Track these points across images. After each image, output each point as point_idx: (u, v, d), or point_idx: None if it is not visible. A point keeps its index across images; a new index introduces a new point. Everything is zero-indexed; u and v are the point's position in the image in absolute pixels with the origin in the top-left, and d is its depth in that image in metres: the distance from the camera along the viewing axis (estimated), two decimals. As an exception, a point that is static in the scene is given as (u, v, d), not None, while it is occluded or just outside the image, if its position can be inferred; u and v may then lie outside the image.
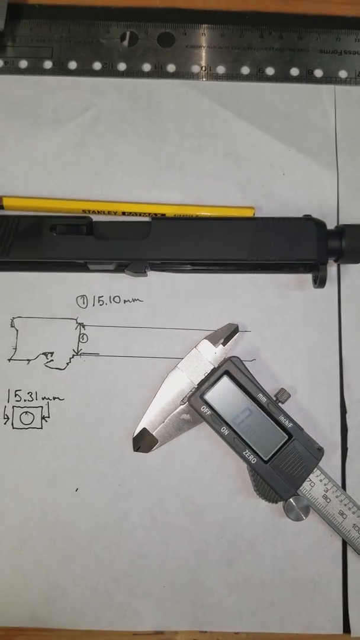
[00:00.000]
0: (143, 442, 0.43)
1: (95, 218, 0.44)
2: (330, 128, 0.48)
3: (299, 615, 0.42)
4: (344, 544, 0.43)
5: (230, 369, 0.43)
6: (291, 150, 0.48)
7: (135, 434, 0.43)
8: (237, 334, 0.44)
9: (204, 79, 0.49)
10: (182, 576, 0.42)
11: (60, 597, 0.42)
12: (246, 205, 0.46)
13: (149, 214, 0.46)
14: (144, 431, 0.43)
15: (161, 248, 0.42)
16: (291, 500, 0.42)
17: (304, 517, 0.41)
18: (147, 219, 0.45)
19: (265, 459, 0.42)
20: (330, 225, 0.44)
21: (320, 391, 0.44)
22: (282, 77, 0.49)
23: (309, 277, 0.45)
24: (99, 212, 0.46)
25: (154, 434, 0.43)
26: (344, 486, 0.43)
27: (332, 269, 0.46)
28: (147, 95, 0.48)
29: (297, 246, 0.43)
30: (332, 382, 0.45)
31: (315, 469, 0.42)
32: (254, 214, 0.46)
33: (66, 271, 0.45)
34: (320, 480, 0.42)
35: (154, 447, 0.43)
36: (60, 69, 0.49)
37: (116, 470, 0.43)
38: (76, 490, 0.43)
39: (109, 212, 0.46)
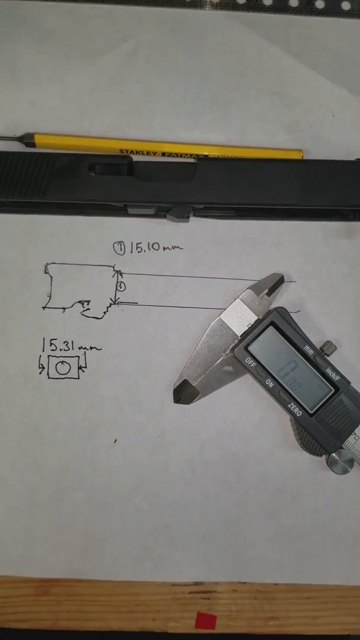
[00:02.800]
0: (184, 393, 0.42)
1: (135, 158, 0.41)
2: (383, 67, 0.45)
3: (340, 567, 0.42)
4: (386, 499, 0.42)
5: (276, 320, 0.41)
6: (342, 90, 0.45)
7: (175, 386, 0.42)
8: (283, 284, 0.43)
9: (249, 11, 0.45)
10: (222, 528, 0.42)
11: (99, 548, 0.41)
12: (293, 148, 0.44)
13: (191, 155, 0.43)
14: (185, 383, 0.42)
15: (207, 191, 0.40)
16: (334, 454, 0.41)
17: (350, 470, 0.41)
18: (190, 160, 0.42)
19: (311, 412, 0.41)
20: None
21: (368, 344, 0.43)
22: (333, 11, 0.46)
23: (358, 225, 0.43)
24: (137, 152, 0.43)
25: (195, 385, 0.42)
26: (387, 441, 0.43)
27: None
28: (188, 27, 0.45)
29: (348, 191, 0.41)
30: (379, 335, 0.43)
31: (361, 422, 0.41)
32: (302, 157, 0.43)
33: (104, 215, 0.43)
34: (366, 435, 0.41)
35: (195, 399, 0.42)
36: (95, -4, 0.45)
37: (156, 422, 0.42)
38: (115, 442, 0.42)
39: (148, 153, 0.43)
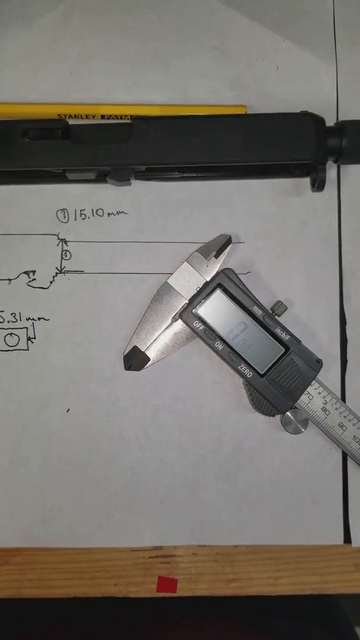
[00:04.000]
0: (134, 360, 0.41)
1: (71, 122, 0.40)
2: (328, 14, 0.44)
3: (299, 527, 0.42)
4: (344, 456, 0.42)
5: (224, 282, 0.40)
6: (285, 42, 0.43)
7: (125, 353, 0.41)
8: (230, 245, 0.42)
9: None
10: (179, 492, 0.42)
11: (57, 516, 0.41)
12: (237, 104, 0.43)
13: (131, 116, 0.42)
14: (135, 349, 0.41)
15: (145, 151, 0.39)
16: (289, 413, 0.40)
17: (303, 430, 0.40)
18: (126, 120, 0.41)
19: (262, 372, 0.40)
20: (330, 122, 0.41)
21: (319, 303, 0.42)
22: None
23: (306, 181, 0.42)
24: (75, 117, 0.42)
25: (145, 351, 0.41)
26: (343, 398, 0.42)
27: (331, 171, 0.43)
28: (124, -18, 0.44)
29: (293, 145, 0.39)
30: (331, 293, 0.42)
31: (314, 381, 0.40)
32: (245, 112, 0.42)
33: (43, 182, 0.42)
34: (319, 393, 0.41)
35: (146, 365, 0.41)
36: None
37: (108, 390, 0.42)
38: (67, 411, 0.42)
39: (87, 116, 0.42)
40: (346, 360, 0.42)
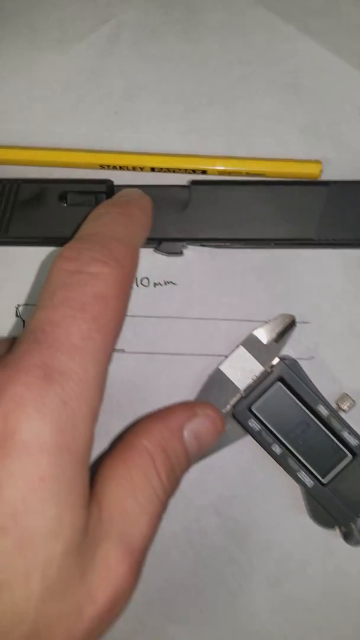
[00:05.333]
0: (178, 456, 0.36)
1: (116, 176, 0.34)
2: None
3: (351, 641, 0.38)
4: None
5: (285, 374, 0.35)
6: (373, 82, 0.36)
7: (168, 447, 0.36)
8: (294, 327, 0.36)
9: (259, -23, 0.36)
10: (221, 599, 0.37)
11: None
12: (310, 158, 0.36)
13: (187, 169, 0.35)
14: (179, 444, 0.36)
15: (203, 223, 0.33)
16: (351, 523, 0.36)
17: (364, 543, 0.36)
18: (183, 180, 0.35)
19: (324, 481, 0.35)
20: None
21: (393, 397, 0.37)
22: (366, -27, 0.36)
23: (387, 255, 0.36)
24: (120, 168, 0.36)
25: (191, 447, 0.36)
26: None
27: None
28: (182, 3, 0.36)
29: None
30: None
31: (382, 488, 0.35)
32: (320, 170, 0.35)
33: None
34: (387, 502, 0.36)
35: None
36: None
37: (146, 485, 0.37)
38: (100, 505, 0.37)
39: (134, 168, 0.36)
40: None
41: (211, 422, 0.29)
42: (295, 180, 0.34)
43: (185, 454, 0.29)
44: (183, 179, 0.35)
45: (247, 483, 0.37)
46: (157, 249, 0.34)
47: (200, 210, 0.33)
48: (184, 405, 0.30)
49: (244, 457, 0.37)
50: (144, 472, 0.26)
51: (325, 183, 0.34)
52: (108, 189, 0.33)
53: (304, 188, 0.33)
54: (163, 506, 0.27)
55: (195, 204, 0.33)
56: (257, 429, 0.35)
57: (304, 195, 0.33)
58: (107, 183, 0.33)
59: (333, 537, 0.37)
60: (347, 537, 0.36)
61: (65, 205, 0.33)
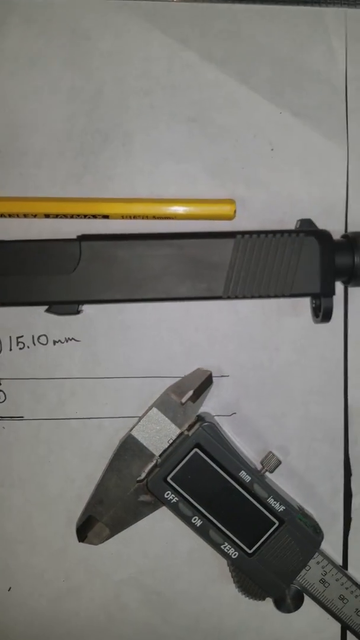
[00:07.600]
0: (90, 532, 0.33)
1: (2, 227, 0.30)
2: (339, 76, 0.33)
3: None
4: (343, 630, 0.35)
5: (202, 441, 0.32)
6: (283, 113, 0.33)
7: (79, 524, 0.33)
8: (211, 385, 0.33)
9: (153, -2, 0.32)
10: None
11: None
12: (222, 197, 0.33)
13: (87, 215, 0.32)
14: (91, 519, 0.33)
15: (96, 283, 0.29)
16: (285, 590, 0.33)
17: (299, 607, 0.33)
18: (85, 227, 0.31)
19: (250, 551, 0.32)
20: (337, 226, 0.32)
21: (320, 450, 0.34)
22: (270, -8, 0.33)
23: (306, 301, 0.33)
24: (9, 216, 0.32)
25: (103, 522, 0.33)
26: (345, 564, 0.35)
27: (337, 289, 0.34)
28: (68, 24, 0.32)
29: (293, 275, 0.30)
30: (334, 437, 0.34)
31: (312, 550, 0.33)
32: (234, 210, 0.32)
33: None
34: (318, 563, 0.33)
35: (104, 539, 0.33)
36: None
37: (58, 564, 0.34)
38: (9, 590, 0.34)
39: (17, 215, 0.32)
40: (350, 519, 0.35)
41: None
42: (200, 232, 0.31)
43: None
44: (85, 226, 0.32)
45: (170, 554, 0.34)
46: (48, 312, 0.30)
47: (92, 269, 0.29)
48: None
49: (164, 527, 0.34)
50: None
51: (232, 235, 0.30)
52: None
53: (210, 241, 0.30)
54: None
55: (87, 262, 0.29)
56: (174, 500, 0.32)
57: (210, 249, 0.30)
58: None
59: (265, 603, 0.35)
60: (280, 605, 0.34)
61: None
